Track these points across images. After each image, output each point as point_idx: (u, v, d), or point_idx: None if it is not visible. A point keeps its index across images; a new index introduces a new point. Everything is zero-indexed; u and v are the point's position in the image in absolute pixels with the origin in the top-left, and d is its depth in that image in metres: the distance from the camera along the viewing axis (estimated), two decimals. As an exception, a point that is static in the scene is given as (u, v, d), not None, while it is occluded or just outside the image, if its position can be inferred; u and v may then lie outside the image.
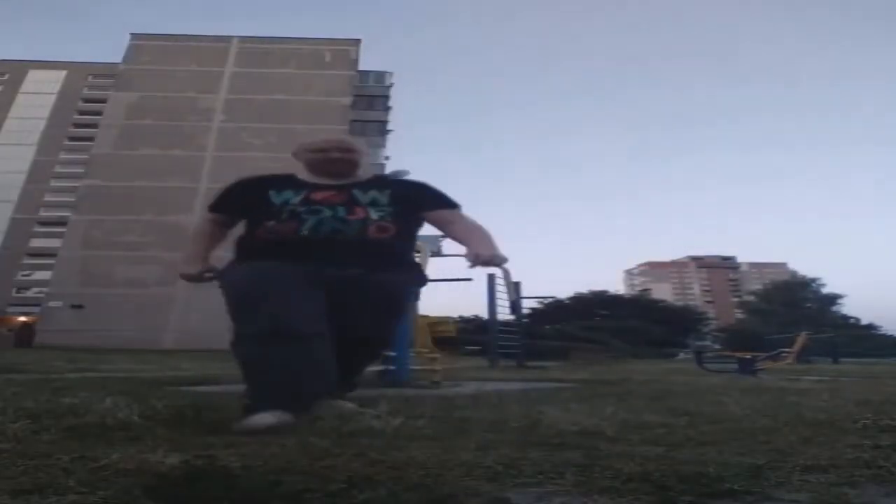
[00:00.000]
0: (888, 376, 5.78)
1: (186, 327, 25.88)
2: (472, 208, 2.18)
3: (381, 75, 38.97)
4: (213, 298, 2.20)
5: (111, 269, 29.43)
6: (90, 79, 62.88)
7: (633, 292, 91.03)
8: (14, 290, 53.37)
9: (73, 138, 59.30)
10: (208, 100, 34.49)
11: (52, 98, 62.82)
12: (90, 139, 39.93)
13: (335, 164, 2.10)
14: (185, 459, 1.06)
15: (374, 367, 3.58)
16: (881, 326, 62.64)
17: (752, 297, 75.38)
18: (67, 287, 29.37)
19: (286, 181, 2.07)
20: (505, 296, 10.99)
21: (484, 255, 1.93)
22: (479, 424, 1.66)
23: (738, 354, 7.48)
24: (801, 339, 9.56)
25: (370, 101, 37.18)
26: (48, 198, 57.23)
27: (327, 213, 1.93)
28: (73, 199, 34.89)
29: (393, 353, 3.58)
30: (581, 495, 0.94)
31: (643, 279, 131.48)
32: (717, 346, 47.92)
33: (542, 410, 1.90)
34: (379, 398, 2.10)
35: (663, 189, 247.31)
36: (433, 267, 2.26)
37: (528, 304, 20.14)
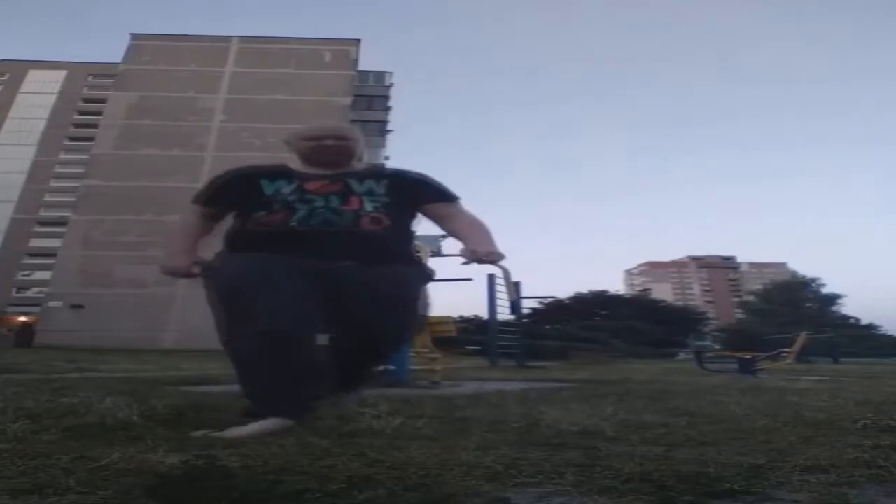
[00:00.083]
0: (888, 376, 5.78)
1: (186, 327, 25.84)
2: (471, 208, 2.14)
3: (381, 75, 38.96)
4: (213, 298, 2.18)
5: (111, 269, 29.42)
6: (90, 79, 62.91)
7: (633, 292, 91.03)
8: (14, 290, 53.39)
9: (73, 138, 59.34)
10: (208, 100, 34.48)
11: (52, 98, 62.87)
12: (90, 139, 39.93)
13: (330, 152, 2.00)
14: (185, 459, 1.06)
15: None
16: (881, 326, 62.84)
17: (752, 297, 75.34)
18: (67, 287, 29.37)
19: (279, 171, 1.98)
20: (505, 296, 10.99)
21: (479, 251, 1.87)
22: (479, 424, 1.66)
23: (738, 354, 7.48)
24: (801, 339, 9.57)
25: (370, 101, 37.17)
26: (48, 198, 57.28)
27: (320, 203, 1.85)
28: (73, 199, 34.90)
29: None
30: (581, 495, 0.94)
31: (643, 279, 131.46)
32: (717, 346, 47.89)
33: (542, 410, 1.90)
34: (379, 398, 2.09)
35: (663, 189, 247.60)
36: (433, 267, 2.19)
37: (528, 304, 20.14)
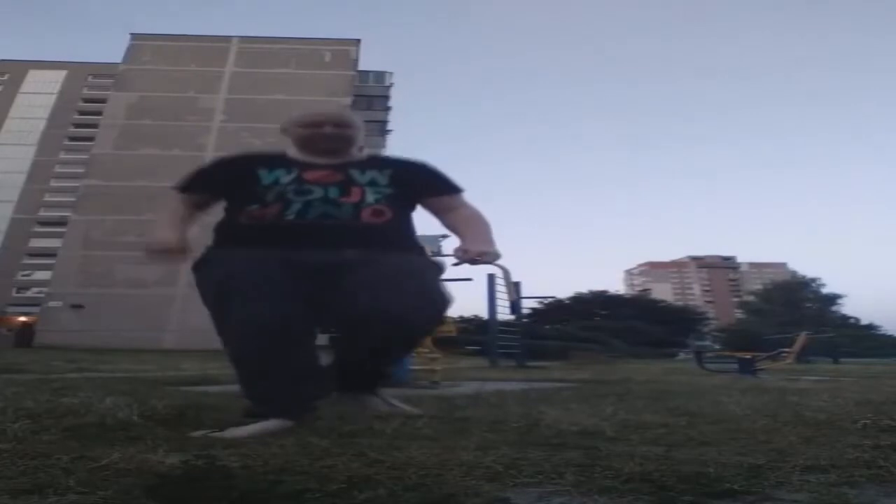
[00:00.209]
0: (888, 376, 5.77)
1: (186, 327, 25.83)
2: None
3: (381, 75, 38.98)
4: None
5: (111, 269, 29.42)
6: (90, 79, 62.94)
7: (633, 292, 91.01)
8: (14, 290, 53.42)
9: (73, 138, 59.37)
10: (208, 100, 34.49)
11: (52, 98, 62.91)
12: (90, 139, 39.95)
13: (329, 140, 1.89)
14: (185, 459, 1.06)
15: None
16: (881, 326, 62.88)
17: (752, 297, 75.37)
18: (67, 287, 29.38)
19: (276, 159, 1.87)
20: (505, 296, 10.99)
21: (472, 250, 1.77)
22: (479, 424, 1.66)
23: (738, 354, 7.48)
24: (801, 339, 9.57)
25: (370, 101, 37.17)
26: (48, 198, 57.31)
27: (318, 194, 1.74)
28: (73, 199, 34.91)
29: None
30: (581, 495, 0.94)
31: (643, 279, 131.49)
32: (717, 346, 47.90)
33: (542, 410, 1.90)
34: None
35: (663, 189, 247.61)
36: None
37: (528, 304, 20.13)
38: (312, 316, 1.71)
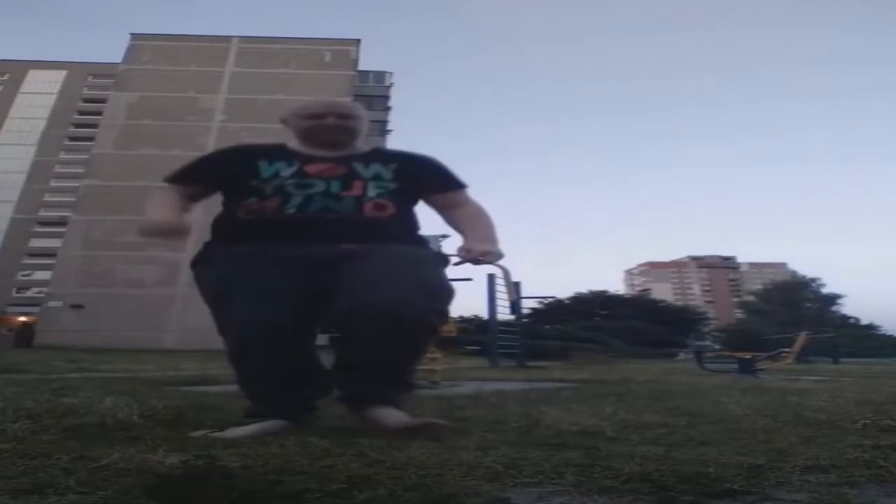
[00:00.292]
0: (888, 376, 5.78)
1: (186, 327, 25.83)
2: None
3: (381, 75, 39.00)
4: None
5: (111, 269, 29.44)
6: (90, 79, 62.97)
7: (633, 292, 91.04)
8: (14, 290, 53.43)
9: (73, 138, 59.40)
10: (208, 100, 34.50)
11: (52, 98, 62.92)
12: (90, 139, 39.99)
13: (332, 131, 1.81)
14: (185, 459, 1.06)
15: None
16: (881, 326, 62.93)
17: (752, 297, 75.40)
18: (67, 287, 29.38)
19: (277, 151, 1.80)
20: (505, 296, 10.99)
21: (475, 250, 1.71)
22: (479, 424, 1.66)
23: (738, 354, 7.49)
24: (801, 339, 9.58)
25: (370, 101, 37.14)
26: (48, 198, 57.32)
27: (319, 187, 1.67)
28: (73, 199, 34.92)
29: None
30: (581, 495, 0.93)
31: (643, 279, 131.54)
32: (717, 346, 47.91)
33: (542, 410, 1.90)
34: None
35: (664, 189, 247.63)
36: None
37: (528, 304, 20.13)
38: (313, 314, 1.67)
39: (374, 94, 37.89)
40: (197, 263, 1.73)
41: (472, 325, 24.92)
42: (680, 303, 78.29)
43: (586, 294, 52.78)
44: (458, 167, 1.95)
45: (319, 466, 1.06)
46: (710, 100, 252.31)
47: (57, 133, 60.41)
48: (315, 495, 0.90)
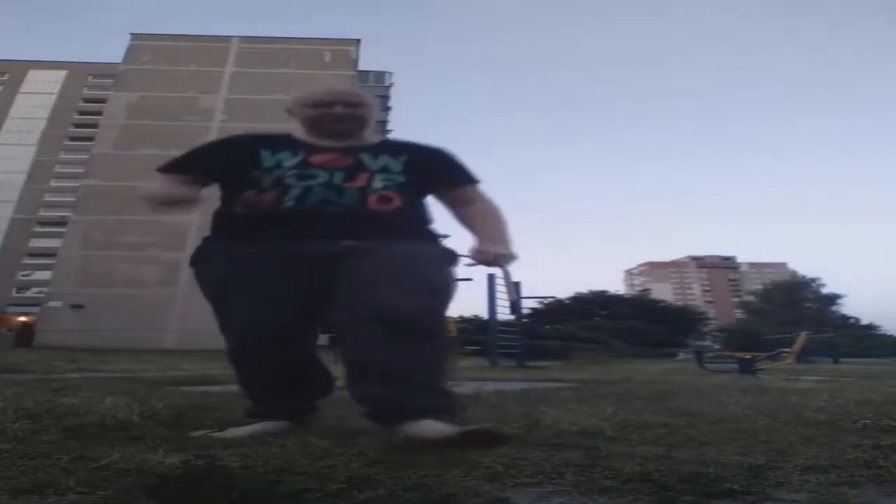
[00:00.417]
0: (888, 376, 5.78)
1: (186, 327, 25.84)
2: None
3: (381, 75, 39.08)
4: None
5: (111, 269, 29.44)
6: (90, 79, 62.97)
7: (633, 292, 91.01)
8: (14, 290, 53.42)
9: (73, 138, 59.40)
10: (208, 100, 34.51)
11: (52, 98, 62.92)
12: (90, 139, 40.01)
13: (339, 120, 1.72)
14: (185, 459, 1.06)
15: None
16: (881, 326, 62.92)
17: (752, 297, 75.39)
18: (67, 287, 29.38)
19: (282, 141, 1.71)
20: (505, 295, 10.98)
21: (488, 253, 1.65)
22: (479, 424, 1.66)
23: (738, 354, 7.49)
24: (801, 339, 9.58)
25: (370, 101, 37.21)
26: (48, 198, 57.32)
27: (321, 179, 1.58)
28: (73, 199, 34.94)
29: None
30: (581, 495, 0.94)
31: (643, 279, 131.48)
32: (717, 346, 47.91)
33: (542, 410, 1.90)
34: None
35: (664, 188, 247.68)
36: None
37: (528, 304, 20.12)
38: (313, 314, 1.62)
39: (374, 94, 37.75)
40: (196, 261, 1.68)
41: (472, 325, 24.92)
42: (680, 303, 78.28)
43: (586, 294, 52.80)
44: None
45: (319, 466, 1.06)
46: (710, 99, 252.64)
47: (57, 133, 60.42)
48: (315, 495, 0.90)
